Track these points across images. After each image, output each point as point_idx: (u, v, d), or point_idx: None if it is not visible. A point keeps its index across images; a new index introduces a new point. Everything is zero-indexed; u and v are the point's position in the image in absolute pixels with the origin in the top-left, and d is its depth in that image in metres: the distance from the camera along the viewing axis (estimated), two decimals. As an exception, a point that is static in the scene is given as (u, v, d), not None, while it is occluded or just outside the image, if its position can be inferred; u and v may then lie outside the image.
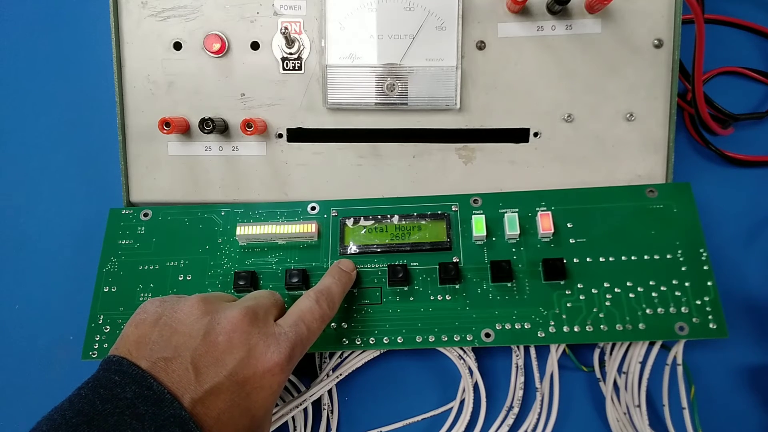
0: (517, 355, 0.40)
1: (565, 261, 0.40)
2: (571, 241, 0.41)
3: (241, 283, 0.41)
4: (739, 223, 0.45)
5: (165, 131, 0.42)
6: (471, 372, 0.40)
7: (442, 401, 0.41)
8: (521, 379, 0.40)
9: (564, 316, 0.39)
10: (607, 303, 0.39)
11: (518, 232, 0.41)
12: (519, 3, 0.41)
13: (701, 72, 0.41)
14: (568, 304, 0.39)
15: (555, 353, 0.39)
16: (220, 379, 0.30)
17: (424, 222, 0.43)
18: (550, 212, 0.41)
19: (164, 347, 0.31)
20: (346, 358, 0.41)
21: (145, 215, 0.45)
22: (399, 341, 0.39)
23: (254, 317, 0.33)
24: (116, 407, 0.27)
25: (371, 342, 0.39)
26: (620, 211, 0.42)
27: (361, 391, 0.42)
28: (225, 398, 0.30)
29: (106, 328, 0.41)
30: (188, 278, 0.42)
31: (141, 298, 0.42)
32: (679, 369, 0.38)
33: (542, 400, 0.39)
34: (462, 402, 0.40)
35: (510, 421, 0.39)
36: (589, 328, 0.38)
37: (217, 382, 0.30)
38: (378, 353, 0.41)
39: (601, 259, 0.40)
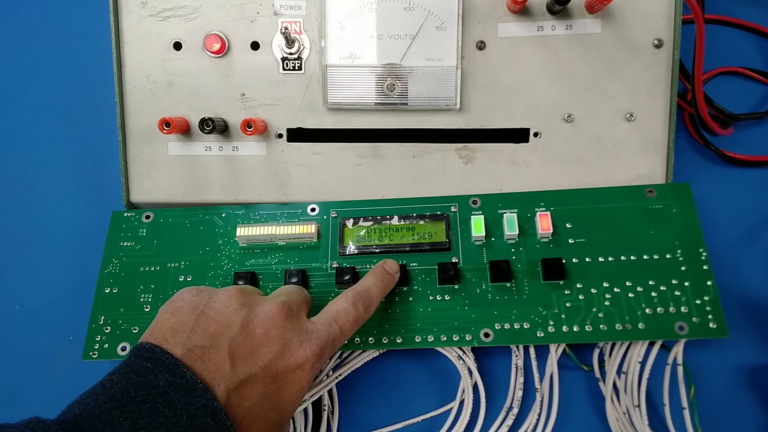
0: (516, 356, 0.40)
1: (564, 261, 0.40)
2: (570, 241, 0.41)
3: (240, 283, 0.41)
4: (739, 223, 0.45)
5: (165, 131, 0.42)
6: (470, 372, 0.40)
7: (441, 402, 0.41)
8: (521, 379, 0.40)
9: (563, 316, 0.39)
10: (607, 303, 0.39)
11: (517, 233, 0.41)
12: (519, 3, 0.41)
13: (701, 72, 0.41)
14: (568, 304, 0.39)
15: (554, 353, 0.39)
16: (255, 371, 0.30)
17: (423, 222, 0.43)
18: (548, 212, 0.41)
19: (202, 336, 0.31)
20: (346, 358, 0.41)
21: (147, 217, 0.45)
22: (398, 341, 0.39)
23: (289, 312, 0.33)
24: (149, 394, 0.27)
25: (371, 342, 0.39)
26: (619, 212, 0.42)
27: (361, 391, 0.42)
28: (258, 390, 0.30)
29: (107, 329, 0.41)
30: (188, 279, 0.43)
31: (141, 299, 0.42)
32: (679, 369, 0.38)
33: (542, 401, 0.39)
34: (461, 402, 0.40)
35: (510, 421, 0.39)
36: (588, 328, 0.38)
37: (252, 372, 0.30)
38: (377, 353, 0.41)
39: (600, 259, 0.40)
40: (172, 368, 0.29)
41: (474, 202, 0.43)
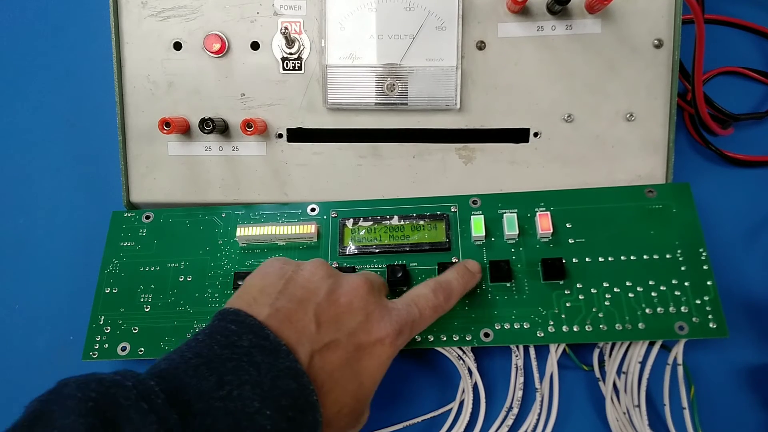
0: (516, 356, 0.40)
1: (564, 261, 0.40)
2: (570, 241, 0.41)
3: (240, 283, 0.41)
4: (739, 223, 0.45)
5: (165, 131, 0.42)
6: (470, 372, 0.40)
7: (441, 402, 0.41)
8: (521, 379, 0.40)
9: (563, 316, 0.39)
10: (607, 303, 0.39)
11: (517, 233, 0.41)
12: (519, 3, 0.41)
13: (701, 72, 0.41)
14: (568, 304, 0.39)
15: (554, 353, 0.39)
16: (339, 336, 0.31)
17: (423, 222, 0.43)
18: (548, 212, 0.41)
19: (289, 298, 0.31)
20: (346, 358, 0.41)
21: (147, 217, 0.45)
22: (399, 341, 0.39)
23: (371, 287, 0.34)
24: (234, 353, 0.28)
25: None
26: (619, 212, 0.42)
27: (361, 391, 0.42)
28: (340, 355, 0.31)
29: (107, 329, 0.41)
30: (188, 279, 0.43)
31: (141, 299, 0.42)
32: (679, 369, 0.38)
33: (542, 401, 0.39)
34: (461, 403, 0.40)
35: (510, 421, 0.39)
36: (588, 328, 0.38)
37: (336, 338, 0.31)
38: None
39: (600, 259, 0.40)
40: (256, 330, 0.29)
41: (474, 202, 0.43)
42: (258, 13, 0.44)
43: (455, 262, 0.41)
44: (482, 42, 0.43)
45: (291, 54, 0.44)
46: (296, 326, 0.30)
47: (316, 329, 0.31)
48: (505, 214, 0.42)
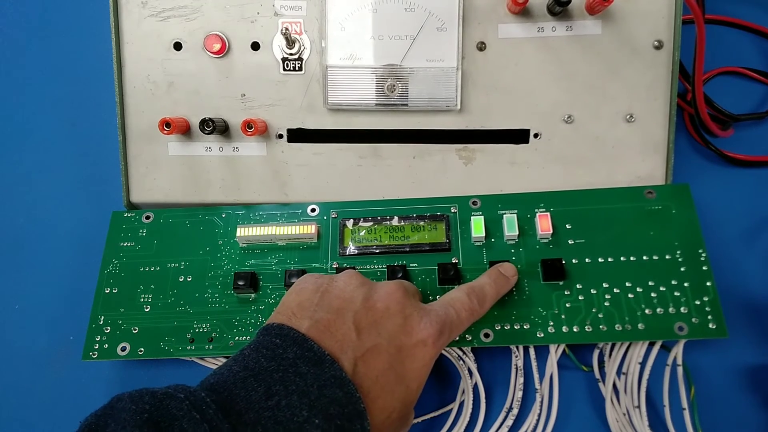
0: (516, 356, 0.40)
1: (564, 261, 0.40)
2: (570, 242, 0.41)
3: (240, 283, 0.41)
4: (739, 223, 0.45)
5: (165, 132, 0.42)
6: (470, 373, 0.40)
7: (441, 402, 0.41)
8: (521, 380, 0.40)
9: (563, 317, 0.39)
10: (607, 303, 0.39)
11: (517, 233, 0.41)
12: (519, 4, 0.41)
13: (701, 73, 0.41)
14: (567, 305, 0.39)
15: (554, 354, 0.39)
16: (380, 341, 0.31)
17: (423, 223, 0.43)
18: (548, 213, 0.41)
19: (327, 309, 0.32)
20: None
21: (147, 218, 0.45)
22: (399, 342, 0.39)
23: (406, 292, 0.34)
24: (280, 365, 0.28)
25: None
26: (619, 213, 0.42)
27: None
28: (383, 360, 0.31)
29: (107, 329, 0.41)
30: (188, 279, 0.43)
31: (141, 299, 0.42)
32: (679, 369, 0.38)
33: (542, 401, 0.39)
34: (461, 403, 0.40)
35: (509, 422, 0.39)
36: (588, 329, 0.38)
37: (377, 342, 0.31)
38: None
39: (600, 260, 0.40)
40: (300, 342, 0.30)
41: (474, 203, 0.43)
42: (258, 13, 0.44)
43: (455, 263, 0.41)
44: (483, 43, 0.43)
45: (291, 54, 0.44)
46: (336, 336, 0.31)
47: (356, 336, 0.31)
48: (505, 215, 0.42)
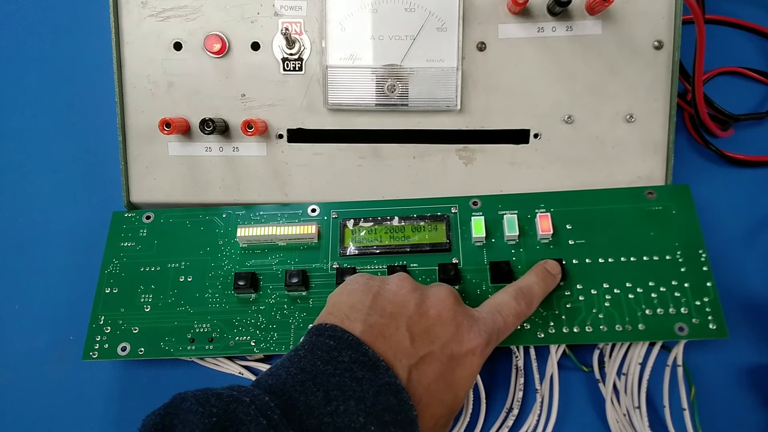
0: (516, 357, 0.40)
1: (564, 262, 0.40)
2: (570, 242, 0.41)
3: (241, 283, 0.41)
4: (739, 223, 0.45)
5: (165, 132, 0.42)
6: (471, 373, 0.40)
7: (442, 402, 0.41)
8: (521, 380, 0.40)
9: (563, 317, 0.39)
10: (607, 304, 0.39)
11: (517, 234, 0.41)
12: (519, 4, 0.41)
13: (701, 73, 0.42)
14: (568, 305, 0.39)
15: (555, 354, 0.39)
16: (433, 349, 0.31)
17: (423, 223, 0.43)
18: (549, 214, 0.41)
19: (380, 314, 0.31)
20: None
21: (148, 218, 0.45)
22: (399, 342, 0.39)
23: (457, 298, 0.34)
24: (336, 369, 0.28)
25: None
26: (619, 213, 0.42)
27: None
28: (435, 368, 0.31)
29: (107, 329, 0.41)
30: (189, 279, 0.43)
31: (142, 300, 0.42)
32: (679, 370, 0.38)
33: (542, 402, 0.39)
34: (462, 403, 0.40)
35: (510, 422, 0.39)
36: (588, 329, 0.38)
37: (430, 350, 0.31)
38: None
39: (600, 261, 0.40)
40: (355, 346, 0.29)
41: (474, 203, 0.43)
42: (258, 13, 0.44)
43: (455, 263, 0.41)
44: (483, 43, 0.43)
45: (291, 54, 0.44)
46: (390, 341, 0.30)
47: (410, 343, 0.31)
48: (505, 215, 0.42)
